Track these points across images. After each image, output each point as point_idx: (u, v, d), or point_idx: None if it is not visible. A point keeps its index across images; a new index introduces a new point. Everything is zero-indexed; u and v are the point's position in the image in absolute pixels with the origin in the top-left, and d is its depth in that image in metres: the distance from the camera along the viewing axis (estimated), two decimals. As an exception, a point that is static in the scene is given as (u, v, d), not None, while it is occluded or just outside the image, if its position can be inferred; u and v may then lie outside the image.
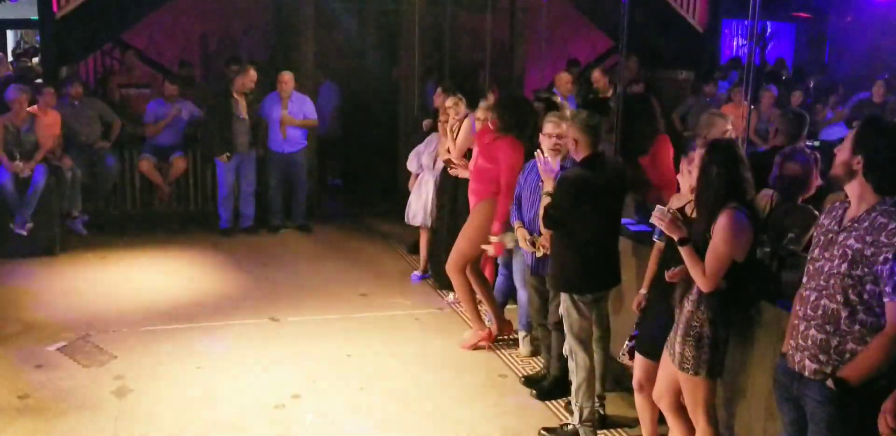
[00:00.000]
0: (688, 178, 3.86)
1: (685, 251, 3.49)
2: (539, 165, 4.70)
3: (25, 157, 7.71)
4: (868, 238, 2.74)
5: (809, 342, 2.91)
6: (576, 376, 4.51)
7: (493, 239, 5.37)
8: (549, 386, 5.06)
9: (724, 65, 11.61)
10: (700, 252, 3.46)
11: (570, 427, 4.55)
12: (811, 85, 11.40)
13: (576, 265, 4.47)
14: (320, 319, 6.33)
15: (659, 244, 3.99)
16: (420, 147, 7.20)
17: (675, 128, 9.42)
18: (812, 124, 6.50)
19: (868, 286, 2.74)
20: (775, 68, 12.78)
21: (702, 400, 3.58)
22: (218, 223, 8.85)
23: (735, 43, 13.61)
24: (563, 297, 4.54)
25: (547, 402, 4.98)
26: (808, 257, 3.00)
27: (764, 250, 3.80)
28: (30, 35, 14.75)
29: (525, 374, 5.38)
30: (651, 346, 3.91)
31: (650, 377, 3.93)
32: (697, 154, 3.69)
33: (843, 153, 2.86)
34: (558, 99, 6.54)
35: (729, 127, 5.25)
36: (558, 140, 4.76)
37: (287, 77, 8.73)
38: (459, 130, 6.42)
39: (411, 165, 7.20)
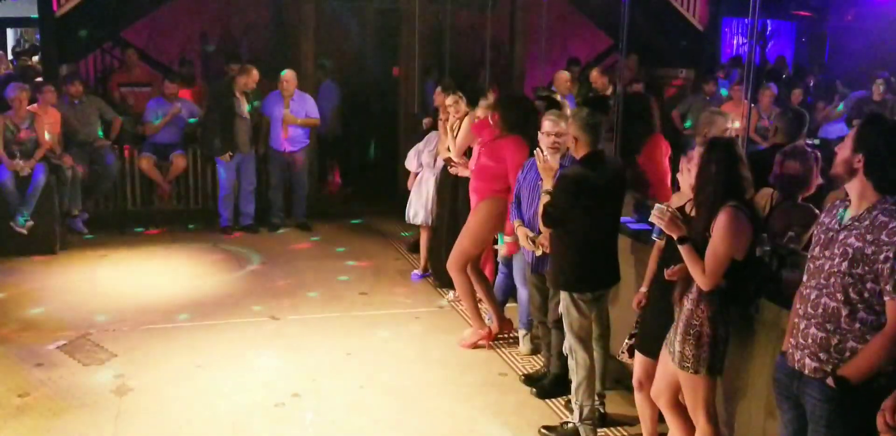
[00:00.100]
0: (687, 176, 3.86)
1: (684, 250, 3.49)
2: (538, 163, 4.70)
3: (25, 155, 7.72)
4: (869, 237, 2.74)
5: (810, 341, 2.91)
6: (576, 375, 4.51)
7: (507, 239, 5.37)
8: (550, 384, 5.06)
9: (725, 63, 11.60)
10: (699, 251, 3.46)
11: (570, 425, 4.55)
12: (811, 83, 11.40)
13: (575, 264, 4.46)
14: (320, 318, 6.33)
15: (659, 243, 3.98)
16: (419, 145, 7.20)
17: (674, 127, 9.43)
18: (812, 122, 6.51)
19: (868, 285, 2.75)
20: (776, 67, 12.78)
21: (702, 399, 3.58)
22: (218, 221, 8.86)
23: (735, 41, 13.59)
24: (563, 295, 4.54)
25: (547, 400, 4.98)
26: (809, 256, 3.00)
27: (764, 249, 3.79)
28: (30, 33, 14.74)
29: (525, 372, 5.38)
30: (651, 344, 3.91)
31: (650, 376, 3.93)
32: (697, 153, 3.70)
33: (843, 152, 2.86)
34: (558, 97, 6.54)
35: (729, 125, 5.26)
36: (557, 138, 4.76)
37: (289, 76, 8.74)
38: (459, 128, 6.42)
39: (410, 163, 7.20)
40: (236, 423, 4.64)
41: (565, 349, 4.63)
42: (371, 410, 4.83)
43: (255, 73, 8.59)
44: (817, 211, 4.05)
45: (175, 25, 10.53)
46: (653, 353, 3.88)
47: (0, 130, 7.63)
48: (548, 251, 4.74)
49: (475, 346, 5.81)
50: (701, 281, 3.45)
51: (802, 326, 2.95)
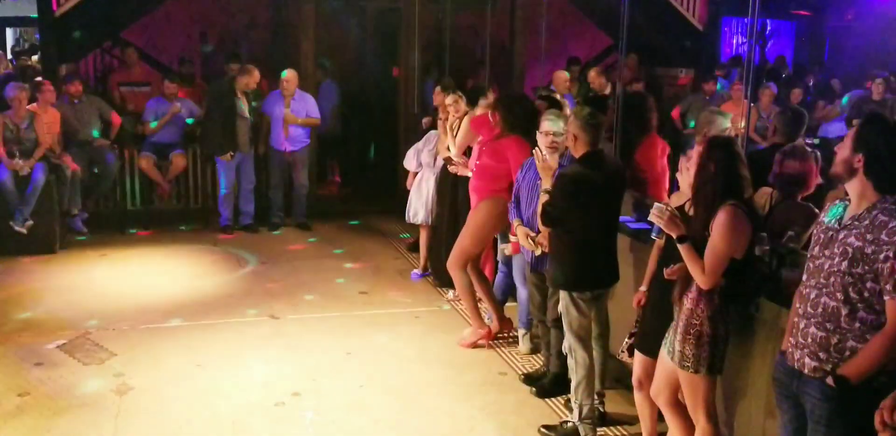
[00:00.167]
0: (686, 175, 3.85)
1: (684, 249, 3.49)
2: (537, 162, 4.70)
3: (25, 155, 7.71)
4: (869, 236, 2.74)
5: (809, 340, 2.91)
6: (575, 374, 4.51)
7: (513, 238, 5.38)
8: (549, 384, 5.06)
9: (724, 63, 11.60)
10: (699, 250, 3.46)
11: (569, 425, 4.55)
12: (811, 83, 11.41)
13: (574, 263, 4.46)
14: (320, 317, 6.33)
15: (658, 242, 3.98)
16: (419, 145, 7.19)
17: (674, 126, 9.43)
18: (811, 121, 6.51)
19: (868, 284, 2.75)
20: (775, 66, 12.78)
21: (702, 398, 3.59)
22: (218, 221, 8.86)
23: (735, 41, 13.59)
24: (562, 294, 4.54)
25: (547, 399, 4.98)
26: (809, 255, 3.00)
27: (763, 248, 3.80)
28: (29, 33, 14.73)
29: (525, 371, 5.38)
30: (651, 343, 3.91)
31: (650, 375, 3.93)
32: (696, 152, 3.69)
33: (843, 151, 2.86)
34: (558, 96, 6.54)
35: (729, 124, 5.26)
36: (555, 138, 4.76)
37: (291, 76, 8.74)
38: (459, 127, 6.42)
39: (409, 163, 7.19)
40: (236, 422, 4.64)
41: (565, 349, 4.64)
42: (371, 409, 4.83)
43: (256, 74, 8.60)
44: (817, 210, 4.05)
45: (175, 25, 10.54)
46: (652, 352, 3.88)
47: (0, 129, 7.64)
48: (547, 251, 4.74)
49: (475, 345, 5.81)
50: (700, 280, 3.45)
51: (802, 325, 2.95)
